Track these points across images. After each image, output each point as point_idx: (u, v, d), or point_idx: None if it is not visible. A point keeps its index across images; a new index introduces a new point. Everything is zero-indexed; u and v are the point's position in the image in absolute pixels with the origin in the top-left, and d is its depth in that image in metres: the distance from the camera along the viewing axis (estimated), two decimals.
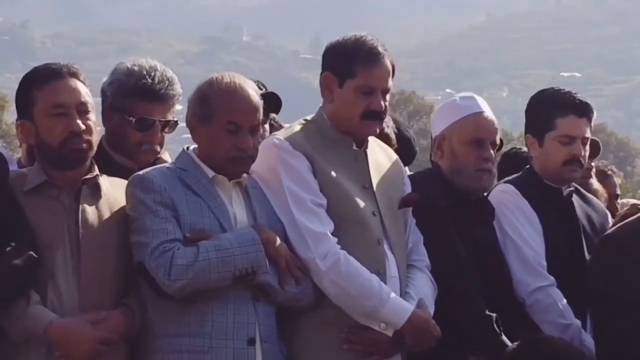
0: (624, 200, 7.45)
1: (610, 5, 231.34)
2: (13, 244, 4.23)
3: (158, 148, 4.94)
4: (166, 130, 4.97)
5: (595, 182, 7.05)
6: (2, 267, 4.18)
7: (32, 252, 4.23)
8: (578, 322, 5.19)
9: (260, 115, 4.69)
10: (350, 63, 4.77)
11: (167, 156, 5.14)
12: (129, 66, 4.86)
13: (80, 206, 4.44)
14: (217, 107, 4.58)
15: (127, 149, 4.71)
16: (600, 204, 5.73)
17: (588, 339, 5.12)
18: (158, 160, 4.96)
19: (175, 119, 4.99)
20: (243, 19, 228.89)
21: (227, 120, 4.55)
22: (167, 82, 4.89)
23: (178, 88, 4.95)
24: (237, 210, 4.61)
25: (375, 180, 4.85)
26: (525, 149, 5.91)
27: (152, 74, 4.84)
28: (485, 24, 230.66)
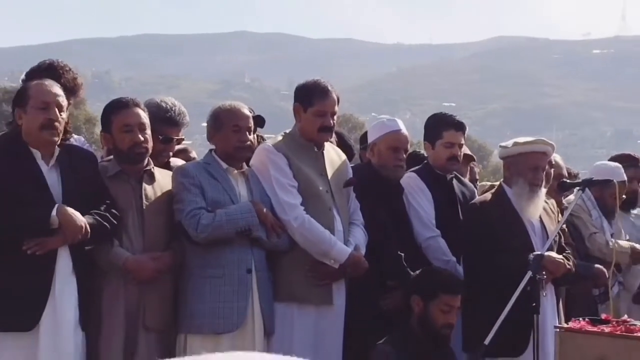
0: (483, 183, 7.44)
1: (469, 60, 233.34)
2: (108, 201, 4.24)
3: (171, 153, 4.85)
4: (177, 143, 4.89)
5: None
6: (98, 216, 4.16)
7: (116, 212, 4.23)
8: (454, 259, 5.13)
9: (252, 123, 4.66)
10: (310, 97, 4.74)
11: (194, 153, 5.12)
12: (159, 102, 4.72)
13: (143, 186, 4.39)
14: (224, 119, 4.58)
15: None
16: (471, 185, 5.64)
17: (460, 269, 5.08)
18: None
19: (183, 137, 4.93)
20: (245, 68, 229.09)
21: (233, 124, 4.54)
22: (182, 114, 4.77)
23: (187, 118, 4.84)
24: (241, 190, 4.57)
25: (328, 170, 4.81)
26: (421, 151, 5.85)
27: (174, 108, 4.72)
28: (397, 72, 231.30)
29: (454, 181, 5.41)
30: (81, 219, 4.04)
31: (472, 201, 5.26)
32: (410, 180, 5.25)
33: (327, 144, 4.88)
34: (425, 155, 5.54)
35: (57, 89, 4.18)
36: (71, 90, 4.46)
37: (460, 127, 5.35)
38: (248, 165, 4.70)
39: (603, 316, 4.56)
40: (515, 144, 5.10)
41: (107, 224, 4.17)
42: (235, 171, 4.59)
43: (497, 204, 5.05)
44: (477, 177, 6.86)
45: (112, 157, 4.49)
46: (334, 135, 5.07)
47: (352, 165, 5.23)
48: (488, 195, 5.17)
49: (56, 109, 4.10)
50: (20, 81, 4.50)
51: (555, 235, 4.94)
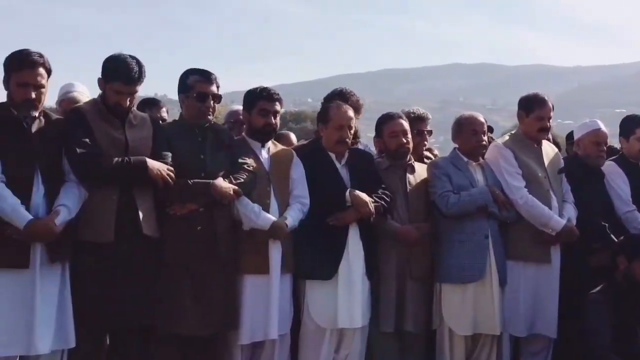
0: None
1: (633, 76, 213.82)
2: (383, 186, 4.23)
3: (425, 144, 4.72)
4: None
5: None
6: (377, 197, 4.15)
7: (389, 193, 4.20)
8: None
9: (486, 127, 4.50)
10: (532, 105, 4.52)
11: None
12: (411, 111, 4.63)
13: (406, 176, 4.36)
14: (464, 124, 4.47)
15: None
16: None
17: None
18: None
19: (431, 129, 4.74)
20: (458, 90, 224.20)
21: (471, 129, 4.44)
22: (426, 116, 4.68)
23: (430, 118, 4.70)
24: (479, 177, 4.43)
25: (545, 161, 4.55)
26: (616, 146, 5.40)
27: (419, 112, 4.63)
28: (578, 88, 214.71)
29: None
30: (367, 199, 4.08)
31: None
32: (610, 167, 4.90)
33: (544, 141, 4.63)
34: (619, 148, 5.12)
35: (350, 113, 4.21)
36: (356, 109, 4.50)
37: None
38: (483, 158, 4.54)
39: None
40: None
41: (384, 202, 4.18)
42: (474, 163, 4.45)
43: None
44: None
45: (384, 155, 4.48)
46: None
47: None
48: None
49: (347, 128, 4.17)
50: (322, 101, 4.56)
51: None
